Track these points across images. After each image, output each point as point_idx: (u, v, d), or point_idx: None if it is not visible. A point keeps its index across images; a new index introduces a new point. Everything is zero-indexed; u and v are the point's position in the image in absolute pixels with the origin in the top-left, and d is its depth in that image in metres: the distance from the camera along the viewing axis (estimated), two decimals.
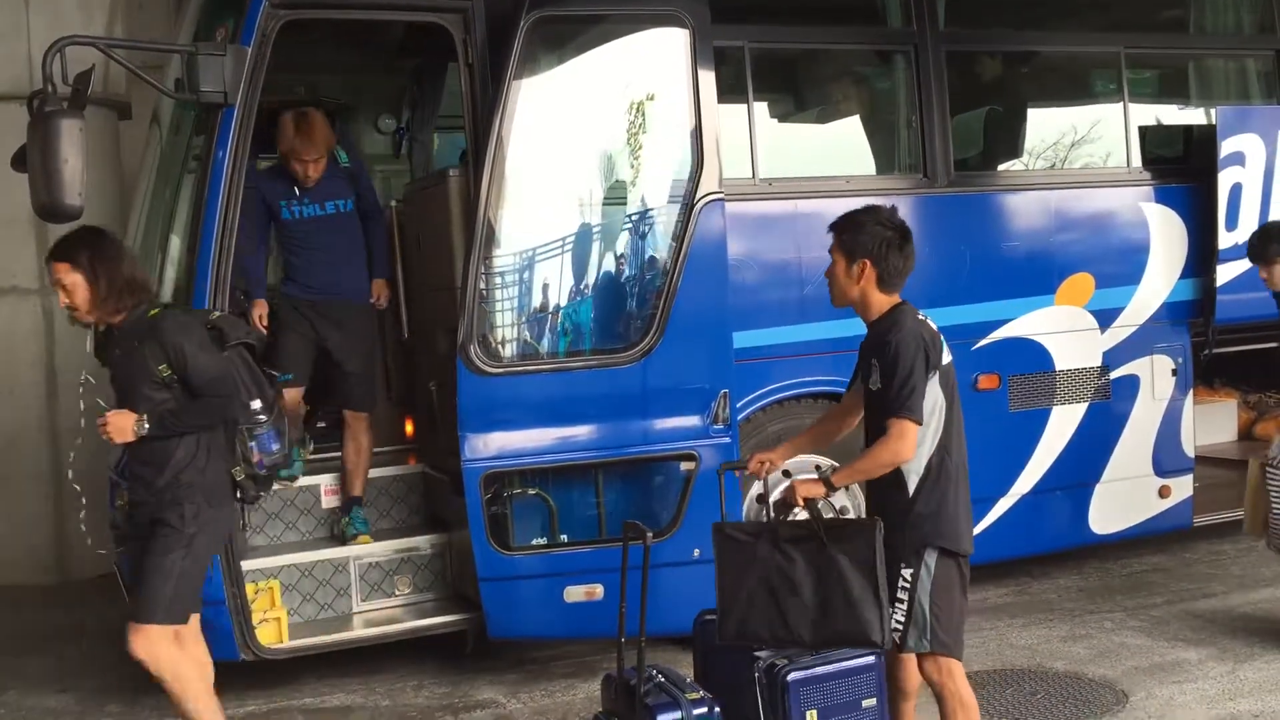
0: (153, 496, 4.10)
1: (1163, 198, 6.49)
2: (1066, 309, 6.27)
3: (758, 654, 3.86)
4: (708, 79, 5.24)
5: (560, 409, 5.14)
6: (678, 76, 5.24)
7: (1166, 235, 6.48)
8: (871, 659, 3.86)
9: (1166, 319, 6.50)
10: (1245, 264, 6.08)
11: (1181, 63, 7.20)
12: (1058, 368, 6.26)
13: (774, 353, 5.56)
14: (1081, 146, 6.66)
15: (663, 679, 3.88)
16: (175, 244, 5.21)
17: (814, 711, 3.81)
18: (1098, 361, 6.36)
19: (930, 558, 3.67)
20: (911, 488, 3.68)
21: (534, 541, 5.26)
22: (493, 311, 5.17)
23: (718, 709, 3.78)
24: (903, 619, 3.67)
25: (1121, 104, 6.49)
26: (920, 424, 3.62)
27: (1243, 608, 5.85)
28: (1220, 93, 7.15)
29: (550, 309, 5.26)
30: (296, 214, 5.61)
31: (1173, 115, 7.18)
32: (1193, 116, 7.12)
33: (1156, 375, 6.49)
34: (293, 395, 5.47)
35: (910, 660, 3.90)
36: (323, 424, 6.17)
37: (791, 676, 3.79)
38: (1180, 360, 6.54)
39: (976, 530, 5.96)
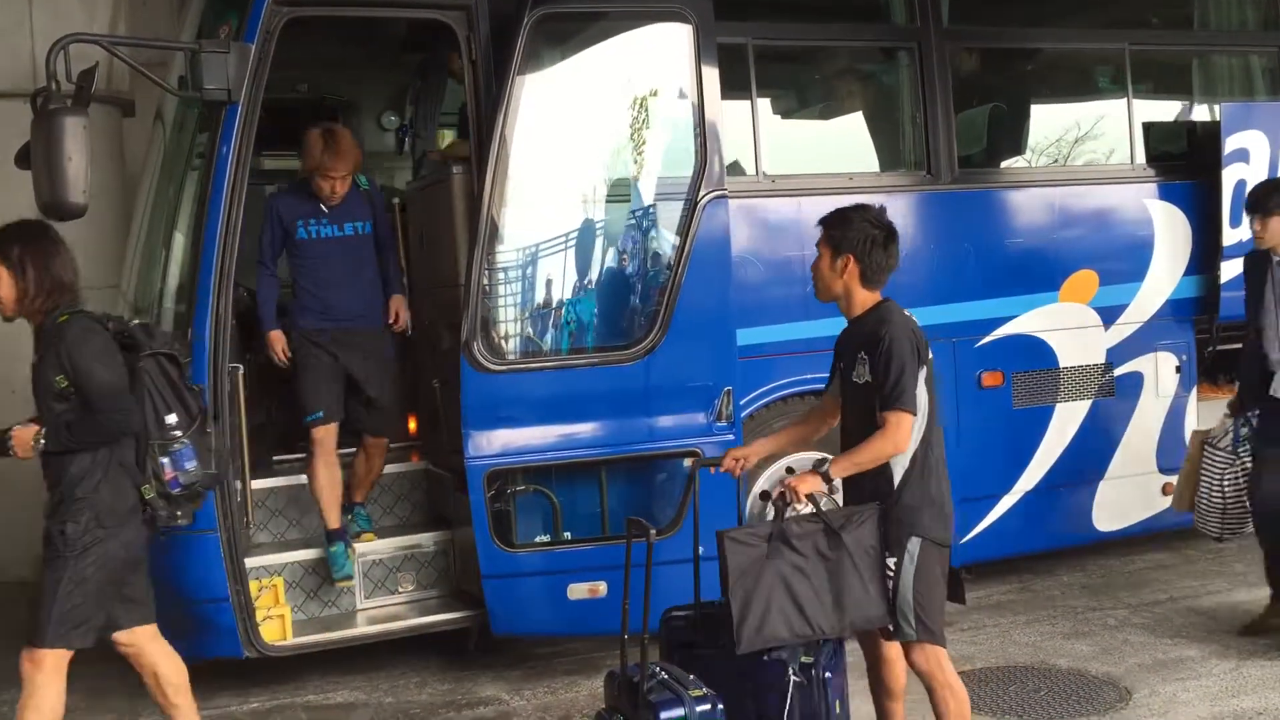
0: (49, 512, 3.92)
1: (1167, 194, 6.49)
2: (1070, 306, 6.26)
3: (779, 655, 3.82)
4: (711, 76, 5.23)
5: (564, 406, 5.14)
6: (681, 73, 5.23)
7: (1170, 232, 6.47)
8: None
9: (1170, 316, 6.49)
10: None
11: (1186, 59, 7.19)
12: (1061, 365, 6.26)
13: (777, 350, 5.56)
14: (1085, 143, 6.66)
15: (666, 676, 3.88)
16: (179, 241, 5.22)
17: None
18: (1101, 359, 6.35)
19: (914, 547, 3.74)
20: (897, 479, 3.76)
21: (537, 539, 5.26)
22: (496, 309, 5.17)
23: (720, 706, 3.77)
24: (889, 609, 3.77)
25: (1126, 100, 6.49)
26: (915, 415, 3.70)
27: (1246, 604, 5.85)
28: (1225, 89, 7.14)
29: (553, 306, 5.26)
30: (314, 234, 5.46)
31: (1177, 112, 7.18)
32: (1197, 113, 7.11)
33: (1160, 372, 6.49)
34: (327, 433, 5.40)
35: (896, 659, 3.95)
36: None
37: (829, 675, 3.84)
38: (1184, 357, 6.54)
39: (980, 527, 6.09)
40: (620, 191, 5.41)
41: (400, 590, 5.57)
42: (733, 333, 5.31)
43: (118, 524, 3.92)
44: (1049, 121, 6.75)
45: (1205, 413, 6.73)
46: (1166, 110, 7.14)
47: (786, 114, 6.43)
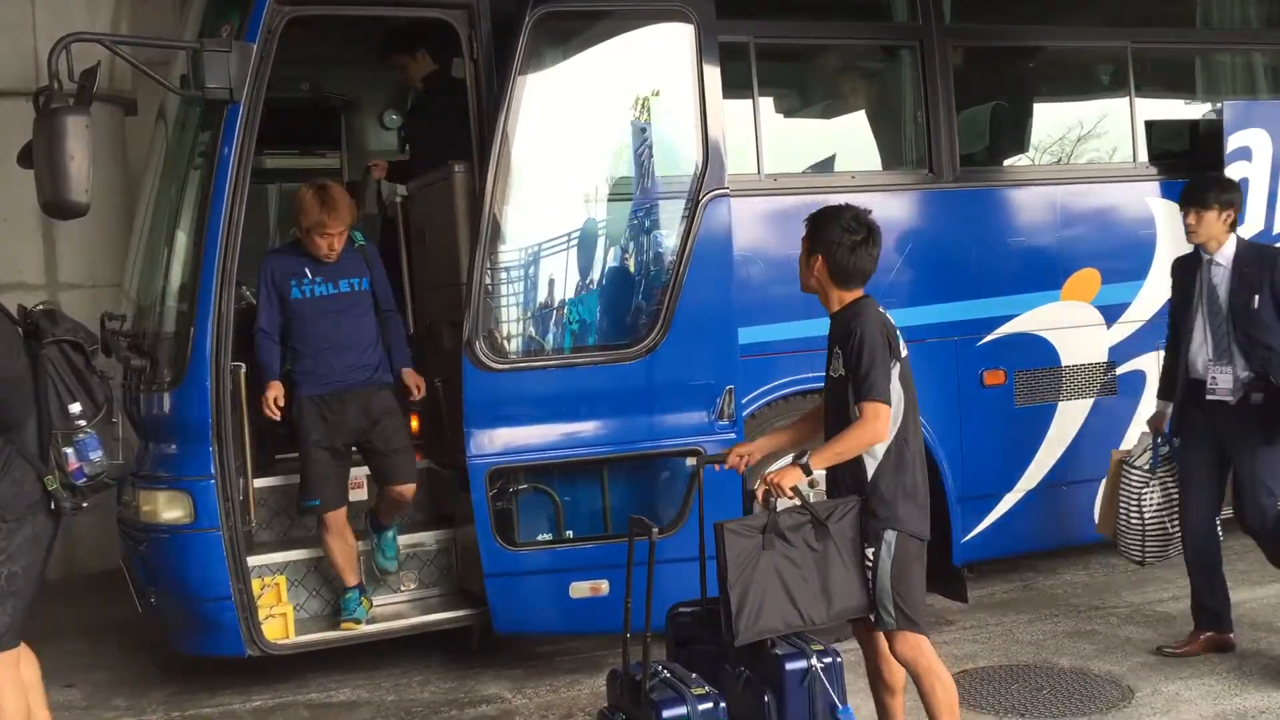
0: None
1: (1169, 193, 6.46)
2: (1072, 304, 6.25)
3: (775, 650, 3.86)
4: (713, 74, 5.23)
5: (565, 405, 5.14)
6: (683, 72, 5.23)
7: (1173, 230, 6.43)
8: None
9: None
10: None
11: (1188, 57, 7.18)
12: (1064, 363, 6.25)
13: (779, 348, 5.56)
14: (1087, 141, 6.65)
15: (668, 674, 3.88)
16: (181, 240, 5.22)
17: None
18: (1104, 357, 6.35)
19: (890, 538, 3.82)
20: (870, 473, 3.83)
21: (539, 537, 5.26)
22: (498, 307, 5.17)
23: (723, 704, 3.78)
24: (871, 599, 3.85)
25: (1128, 99, 6.48)
26: (890, 406, 3.76)
27: (1249, 603, 5.84)
28: (1227, 87, 7.13)
29: (555, 305, 5.26)
30: (308, 292, 5.26)
31: (1179, 110, 7.17)
32: (1199, 111, 7.10)
33: None
34: (332, 517, 5.28)
35: (892, 655, 3.95)
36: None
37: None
38: None
39: (982, 526, 6.09)
40: (622, 190, 5.41)
41: (402, 589, 5.57)
42: (734, 331, 5.31)
43: (18, 518, 3.81)
44: (1051, 120, 6.74)
45: None
46: (1169, 108, 7.13)
47: (788, 112, 6.43)
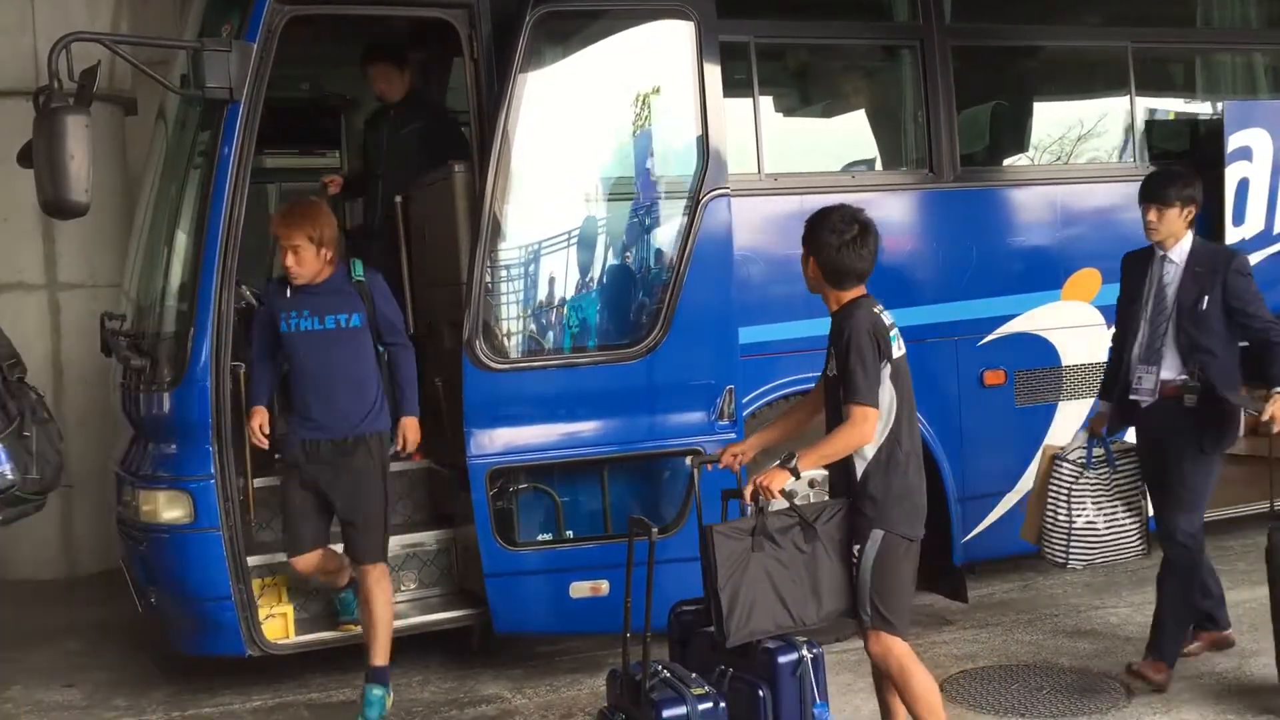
0: None
1: None
2: (1073, 304, 6.25)
3: (769, 646, 3.90)
4: (713, 74, 5.23)
5: (565, 405, 5.14)
6: (683, 71, 5.22)
7: None
8: None
9: None
10: (1253, 259, 6.03)
11: (1189, 57, 7.18)
12: (1064, 363, 6.24)
13: (779, 348, 5.55)
14: (1088, 141, 6.65)
15: (668, 674, 3.89)
16: (181, 240, 5.21)
17: None
18: (1104, 357, 6.32)
19: (876, 538, 3.83)
20: (859, 473, 3.85)
21: (539, 537, 5.25)
22: (498, 307, 5.16)
23: (723, 704, 3.79)
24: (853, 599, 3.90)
25: (1128, 98, 6.48)
26: (877, 408, 3.78)
27: (1249, 603, 5.83)
28: (1227, 87, 7.13)
29: (555, 304, 5.26)
30: (293, 326, 4.81)
31: (1180, 110, 7.17)
32: (1200, 111, 7.10)
33: None
34: (302, 564, 4.95)
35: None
36: None
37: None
38: None
39: (983, 525, 6.08)
40: (622, 189, 5.41)
41: (402, 588, 5.56)
42: (735, 331, 5.31)
43: None
44: (1051, 119, 6.75)
45: None
46: (1169, 108, 7.13)
47: (789, 112, 6.42)
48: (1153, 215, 4.92)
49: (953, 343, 5.93)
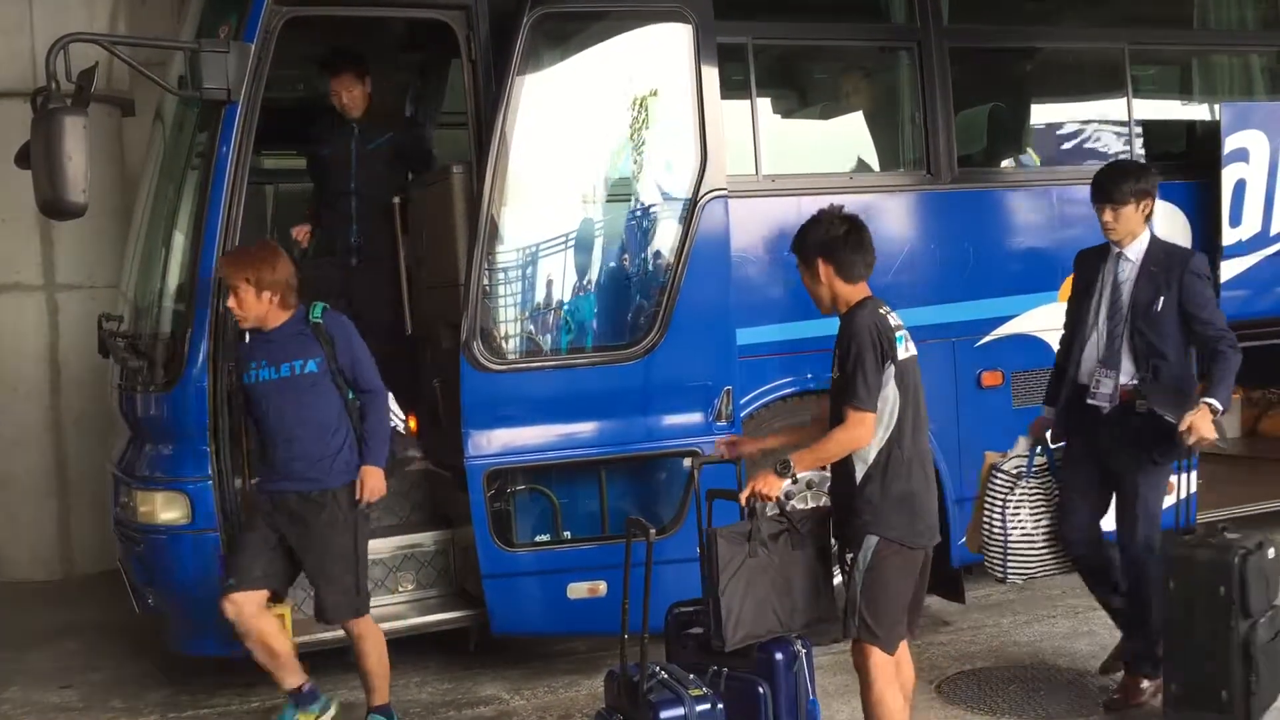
0: None
1: (1166, 194, 6.42)
2: None
3: (764, 643, 3.95)
4: (711, 75, 5.23)
5: (563, 406, 5.14)
6: (681, 73, 5.23)
7: (1170, 231, 6.43)
8: None
9: None
10: (1249, 261, 6.08)
11: (1186, 58, 7.19)
12: None
13: (777, 349, 5.56)
14: (1085, 142, 6.65)
15: (666, 675, 3.90)
16: (179, 241, 5.22)
17: None
18: None
19: (870, 544, 3.79)
20: (859, 476, 3.82)
21: (537, 538, 5.26)
22: (496, 308, 5.17)
23: (720, 705, 3.79)
24: (844, 603, 3.89)
25: (1125, 100, 6.48)
26: (874, 412, 3.75)
27: None
28: (1225, 88, 7.13)
29: (553, 305, 5.26)
30: (253, 378, 4.58)
31: (1177, 111, 7.17)
32: (1197, 112, 7.11)
33: None
34: (243, 600, 4.56)
35: (903, 660, 3.97)
36: None
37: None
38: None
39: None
40: (620, 191, 5.41)
41: (400, 590, 5.56)
42: (732, 332, 5.31)
43: None
44: (1049, 121, 6.75)
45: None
46: (1166, 110, 7.13)
47: (786, 113, 6.44)
48: (1108, 215, 4.63)
49: (950, 344, 5.93)
